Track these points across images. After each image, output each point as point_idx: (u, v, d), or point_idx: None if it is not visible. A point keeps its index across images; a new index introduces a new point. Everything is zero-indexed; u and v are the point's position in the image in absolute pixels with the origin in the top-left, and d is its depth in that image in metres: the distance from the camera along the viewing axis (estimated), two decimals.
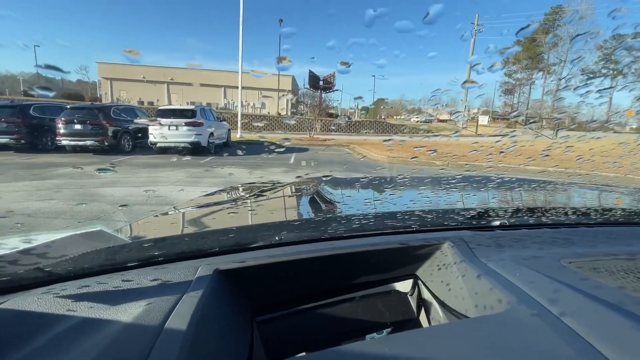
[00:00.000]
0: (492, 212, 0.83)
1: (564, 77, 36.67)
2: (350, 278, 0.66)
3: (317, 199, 1.24)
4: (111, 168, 6.41)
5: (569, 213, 0.85)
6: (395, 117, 35.67)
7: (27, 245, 0.63)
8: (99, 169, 6.31)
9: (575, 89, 1.09)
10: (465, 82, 0.92)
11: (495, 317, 0.45)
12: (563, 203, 1.21)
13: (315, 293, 0.66)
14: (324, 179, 1.49)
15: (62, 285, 0.53)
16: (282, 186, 1.43)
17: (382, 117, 32.29)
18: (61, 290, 0.51)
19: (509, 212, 0.84)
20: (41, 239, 0.66)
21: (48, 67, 0.51)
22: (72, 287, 0.52)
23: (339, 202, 1.23)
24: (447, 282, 0.60)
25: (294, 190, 1.42)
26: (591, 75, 35.99)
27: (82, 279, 0.55)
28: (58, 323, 0.43)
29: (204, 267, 0.57)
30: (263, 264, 0.60)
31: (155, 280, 0.53)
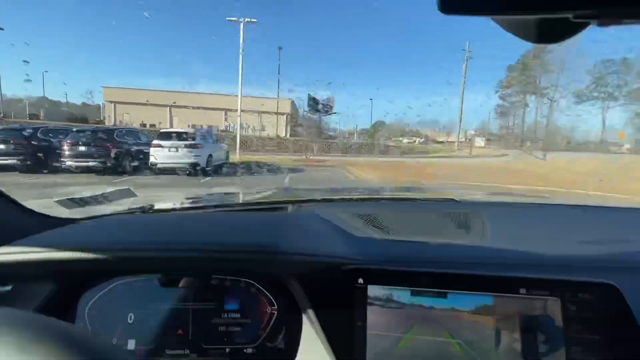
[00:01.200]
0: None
1: (555, 100, 37.53)
2: None
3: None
4: None
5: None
6: (392, 138, 36.34)
7: None
8: None
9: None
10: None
11: None
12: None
13: None
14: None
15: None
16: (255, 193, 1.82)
17: (380, 139, 32.96)
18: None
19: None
20: None
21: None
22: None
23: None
24: None
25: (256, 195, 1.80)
26: (583, 99, 36.73)
27: None
28: None
29: None
30: None
31: None
